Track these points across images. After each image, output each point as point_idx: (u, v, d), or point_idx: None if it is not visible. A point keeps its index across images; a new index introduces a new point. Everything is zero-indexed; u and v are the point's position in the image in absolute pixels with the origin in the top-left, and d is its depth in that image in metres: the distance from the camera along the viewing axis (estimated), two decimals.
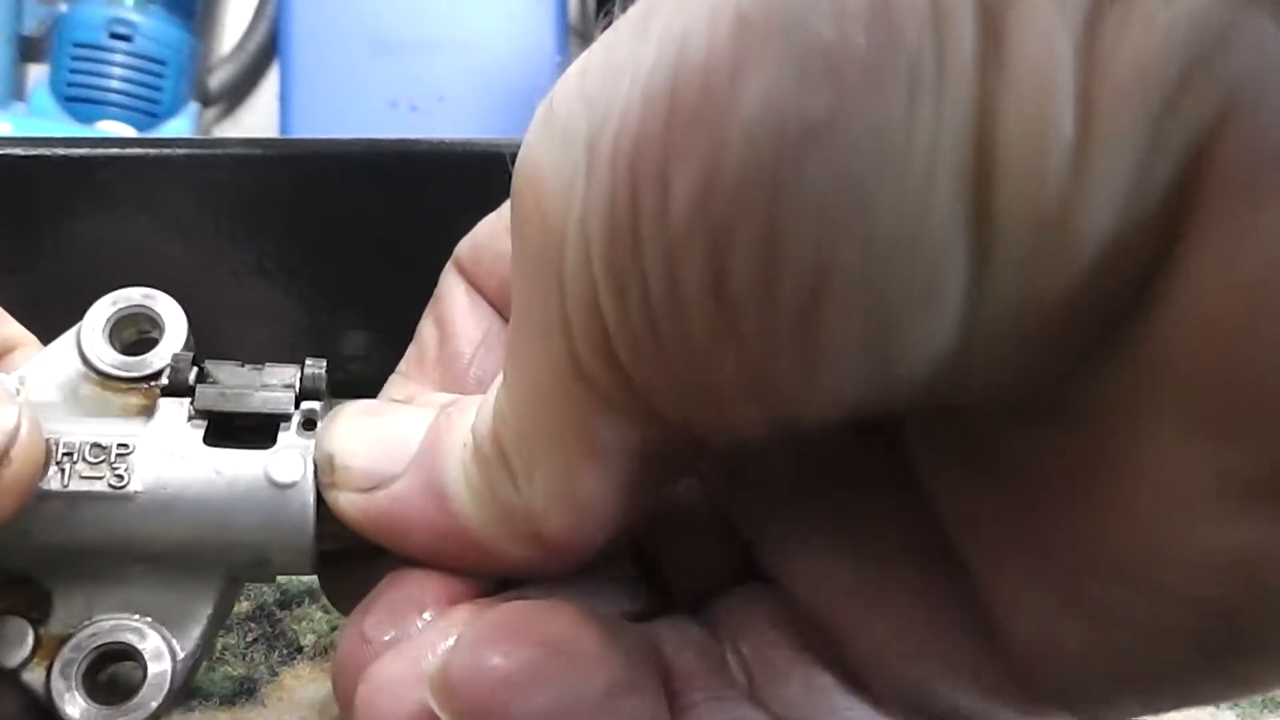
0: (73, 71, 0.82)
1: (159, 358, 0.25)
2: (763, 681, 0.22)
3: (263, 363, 0.26)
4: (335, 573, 0.25)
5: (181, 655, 0.24)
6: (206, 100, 0.88)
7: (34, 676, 0.24)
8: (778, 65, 0.15)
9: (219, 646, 0.33)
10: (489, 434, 0.21)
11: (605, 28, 0.18)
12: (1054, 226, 0.14)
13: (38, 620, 0.24)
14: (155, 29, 0.83)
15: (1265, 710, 0.34)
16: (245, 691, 0.32)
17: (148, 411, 0.24)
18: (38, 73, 0.86)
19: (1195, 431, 0.15)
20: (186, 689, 0.25)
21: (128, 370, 0.25)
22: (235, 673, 0.33)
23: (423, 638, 0.21)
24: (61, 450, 0.23)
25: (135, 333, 0.26)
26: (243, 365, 0.25)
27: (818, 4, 0.15)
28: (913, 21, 0.14)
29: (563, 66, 0.19)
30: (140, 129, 0.82)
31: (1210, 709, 0.33)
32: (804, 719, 0.22)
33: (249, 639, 0.34)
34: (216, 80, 0.88)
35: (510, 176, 0.20)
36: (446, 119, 0.82)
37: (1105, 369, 0.16)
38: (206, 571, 0.24)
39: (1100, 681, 0.19)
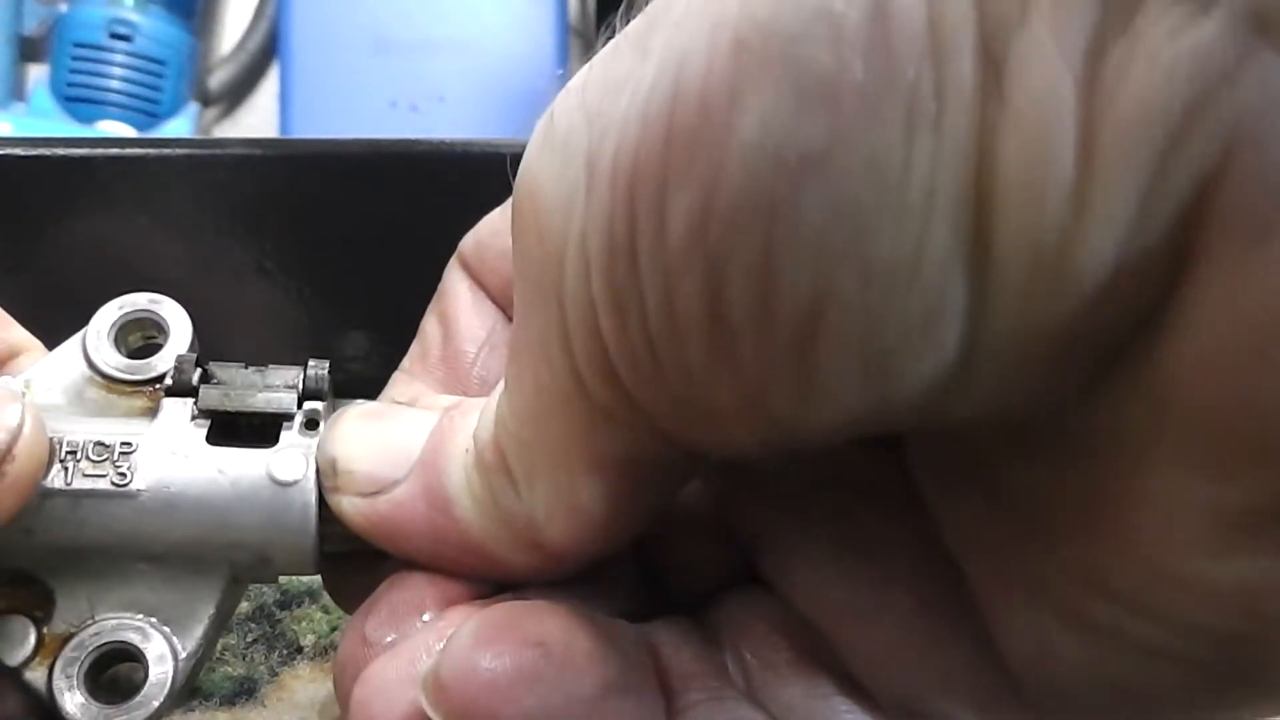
0: (73, 71, 0.82)
1: (164, 361, 0.25)
2: (762, 684, 0.22)
3: (261, 362, 0.26)
4: (339, 572, 0.25)
5: (183, 655, 0.24)
6: (206, 100, 0.88)
7: (36, 675, 0.24)
8: (775, 91, 0.15)
9: (219, 646, 0.33)
10: (490, 441, 0.21)
11: (608, 39, 0.18)
12: (1053, 259, 0.14)
13: (40, 619, 0.24)
14: (155, 29, 0.83)
15: None
16: (245, 691, 0.33)
17: (152, 414, 0.25)
18: (38, 73, 0.86)
19: (1199, 463, 0.15)
20: (188, 689, 0.25)
21: (133, 373, 0.25)
22: (235, 673, 0.33)
23: (418, 639, 0.21)
24: (65, 449, 0.23)
25: (141, 337, 0.26)
26: (246, 367, 0.25)
27: (814, 29, 0.15)
28: (911, 50, 0.14)
29: (564, 79, 0.19)
30: (140, 129, 0.82)
31: None
32: None
33: (249, 639, 0.34)
34: (216, 80, 0.88)
35: (510, 177, 0.20)
36: (446, 119, 0.82)
37: (1108, 398, 0.16)
38: (209, 571, 0.24)
39: (1097, 699, 0.19)
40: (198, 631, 0.24)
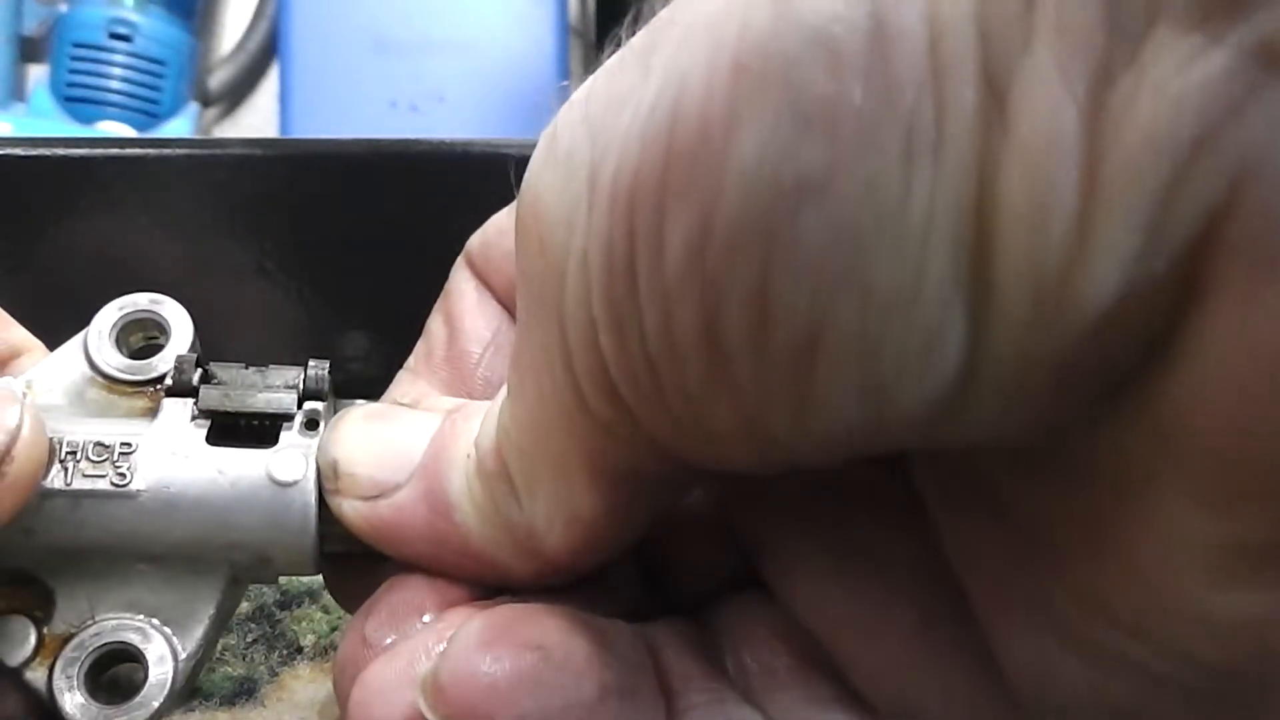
0: (73, 72, 0.82)
1: (165, 362, 0.25)
2: (761, 688, 0.22)
3: (261, 362, 0.26)
4: (340, 572, 0.25)
5: (184, 655, 0.24)
6: (206, 100, 0.88)
7: (36, 676, 0.24)
8: (773, 115, 0.15)
9: (219, 647, 0.33)
10: (492, 448, 0.21)
11: (613, 50, 0.18)
12: (1055, 289, 0.14)
13: (40, 619, 0.24)
14: (155, 29, 0.83)
15: None
16: (245, 691, 0.33)
17: (152, 414, 0.25)
18: (38, 73, 0.87)
19: (1202, 495, 0.15)
20: (188, 689, 0.25)
21: (134, 374, 0.25)
22: (235, 673, 0.33)
23: (417, 640, 0.21)
24: (65, 449, 0.23)
25: (142, 338, 0.26)
26: (246, 367, 0.25)
27: (813, 53, 0.14)
28: (911, 76, 0.14)
29: (566, 90, 0.19)
30: (140, 129, 0.82)
31: None
32: None
33: (249, 639, 0.34)
34: (216, 80, 0.88)
35: (514, 181, 0.20)
36: (446, 119, 0.82)
37: (1114, 426, 0.16)
38: (209, 571, 0.24)
39: (1097, 719, 0.19)
40: (198, 632, 0.24)
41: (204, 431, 0.24)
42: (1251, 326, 0.13)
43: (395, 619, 0.22)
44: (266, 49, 0.88)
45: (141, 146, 0.43)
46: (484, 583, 0.23)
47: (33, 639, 0.24)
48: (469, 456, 0.22)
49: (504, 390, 0.21)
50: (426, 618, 0.22)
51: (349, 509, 0.23)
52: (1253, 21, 0.13)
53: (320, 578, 0.26)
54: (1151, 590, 0.16)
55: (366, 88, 0.83)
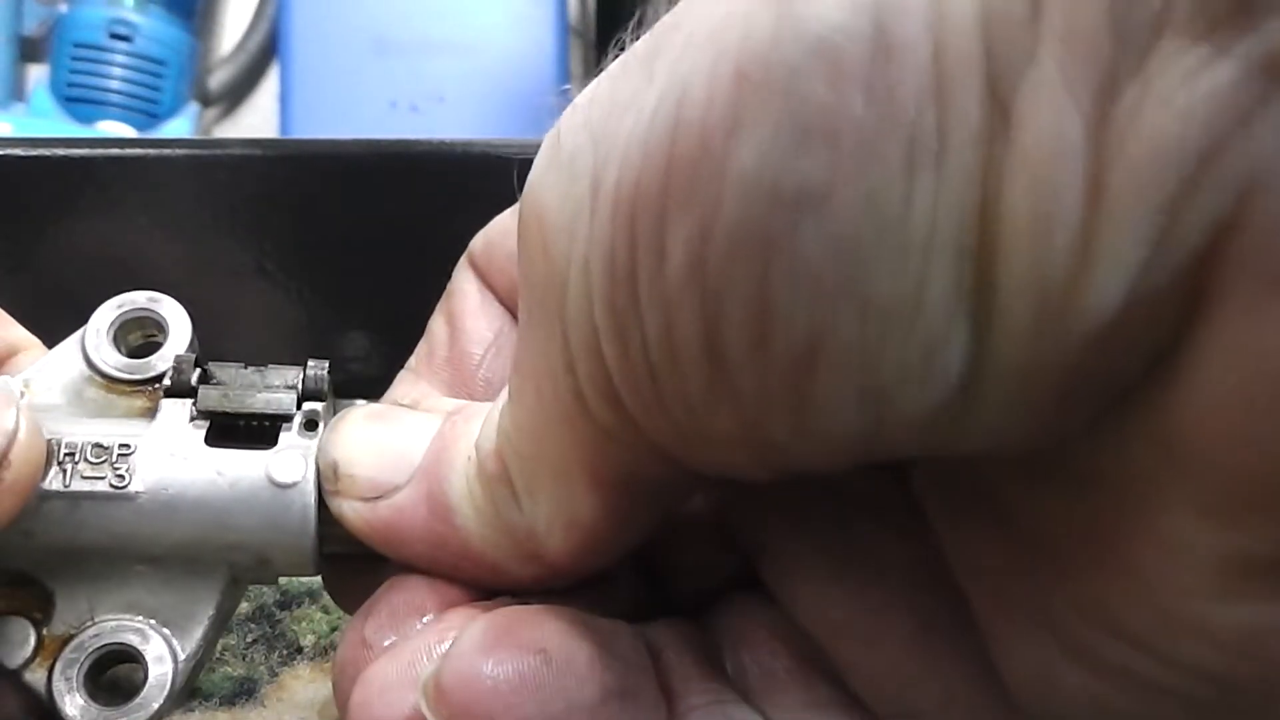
0: (73, 72, 0.82)
1: (163, 360, 0.25)
2: (762, 689, 0.22)
3: (261, 362, 0.26)
4: (340, 573, 0.25)
5: (183, 656, 0.24)
6: (206, 100, 0.88)
7: (36, 677, 0.24)
8: (774, 124, 0.15)
9: (219, 647, 0.33)
10: (493, 451, 0.21)
11: (617, 54, 0.18)
12: (1059, 301, 0.14)
13: (40, 621, 0.24)
14: (155, 29, 0.83)
15: None
16: (245, 692, 0.33)
17: (151, 414, 0.24)
18: (38, 73, 0.87)
19: (1206, 507, 0.15)
20: (188, 690, 0.25)
21: (132, 373, 0.25)
22: (235, 673, 0.33)
23: (417, 641, 0.21)
24: (63, 451, 0.23)
25: (140, 336, 0.26)
26: (245, 367, 0.25)
27: (814, 63, 0.14)
28: (914, 86, 0.14)
29: (568, 95, 0.19)
30: (140, 129, 0.82)
31: None
32: None
33: (249, 639, 0.34)
34: (216, 80, 0.88)
35: (517, 185, 0.20)
36: (446, 119, 0.82)
37: (1118, 437, 0.16)
38: (208, 572, 0.24)
39: None
40: (197, 633, 0.24)
41: (203, 432, 0.24)
42: (1257, 339, 0.13)
43: (395, 620, 0.22)
44: (266, 49, 0.88)
45: (141, 146, 0.43)
46: (483, 585, 0.23)
47: (32, 640, 0.24)
48: (469, 459, 0.22)
49: (505, 393, 0.21)
50: (426, 618, 0.22)
51: (349, 510, 0.23)
52: (1260, 33, 0.13)
53: (320, 578, 0.26)
54: (1154, 601, 0.16)
55: (366, 88, 0.83)
